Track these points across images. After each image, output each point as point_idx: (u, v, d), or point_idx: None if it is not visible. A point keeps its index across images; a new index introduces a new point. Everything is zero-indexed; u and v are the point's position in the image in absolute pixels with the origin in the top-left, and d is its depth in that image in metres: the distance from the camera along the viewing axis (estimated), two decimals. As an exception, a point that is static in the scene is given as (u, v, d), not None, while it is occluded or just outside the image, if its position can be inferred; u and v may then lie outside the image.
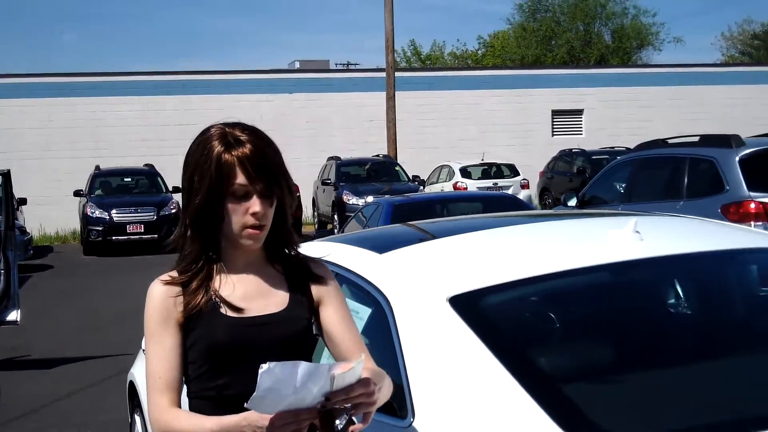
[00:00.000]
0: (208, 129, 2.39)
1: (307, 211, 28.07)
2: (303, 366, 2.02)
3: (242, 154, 2.29)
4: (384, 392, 2.31)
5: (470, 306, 2.68)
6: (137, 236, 21.12)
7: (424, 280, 2.94)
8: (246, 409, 2.08)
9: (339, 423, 2.12)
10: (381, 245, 3.39)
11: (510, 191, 24.76)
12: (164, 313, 2.35)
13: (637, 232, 3.02)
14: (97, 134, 30.26)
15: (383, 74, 28.11)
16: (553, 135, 34.32)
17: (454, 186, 24.89)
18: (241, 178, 2.29)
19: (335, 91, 32.77)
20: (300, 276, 2.44)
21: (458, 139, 32.93)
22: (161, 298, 2.36)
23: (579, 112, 34.84)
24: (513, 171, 26.79)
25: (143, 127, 30.17)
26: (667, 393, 2.53)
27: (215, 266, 2.39)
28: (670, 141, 10.76)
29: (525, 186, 25.96)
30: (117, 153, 28.93)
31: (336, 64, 54.14)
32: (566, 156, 27.35)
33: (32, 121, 29.83)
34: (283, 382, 2.03)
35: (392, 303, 2.87)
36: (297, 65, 38.42)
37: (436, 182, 26.86)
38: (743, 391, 2.55)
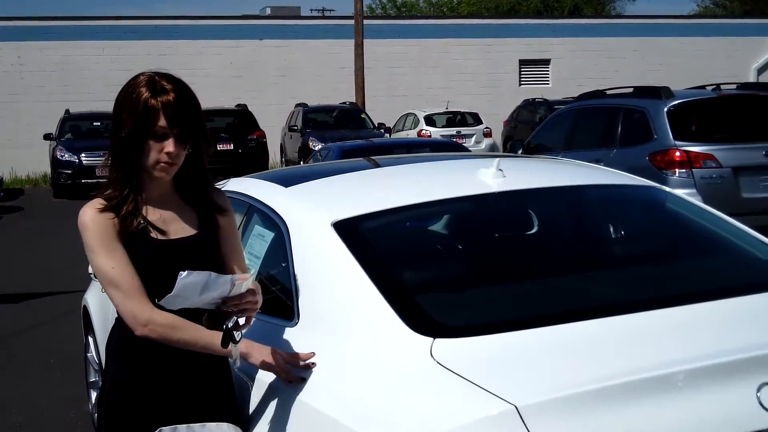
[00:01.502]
0: (139, 75, 2.82)
1: (275, 157, 28.50)
2: (212, 275, 2.66)
3: (166, 101, 2.74)
4: (260, 303, 2.89)
5: (349, 229, 3.23)
6: (106, 179, 21.42)
7: (316, 209, 3.50)
8: None
9: (228, 322, 2.71)
10: (289, 180, 3.94)
11: (473, 139, 25.44)
12: (107, 231, 2.76)
13: (500, 170, 3.58)
14: (67, 78, 30.45)
15: (353, 22, 28.44)
16: (520, 84, 34.78)
17: (418, 133, 25.41)
18: (162, 122, 2.73)
19: (306, 37, 32.99)
20: (206, 205, 2.94)
21: (427, 88, 33.32)
22: (99, 221, 2.77)
23: (546, 62, 35.29)
24: (476, 119, 27.35)
25: (113, 71, 30.30)
26: (504, 298, 3.12)
27: (138, 195, 2.85)
28: (608, 92, 11.29)
29: (488, 134, 26.55)
30: (87, 97, 29.16)
31: (311, 10, 54.25)
32: (530, 105, 27.90)
33: (2, 64, 29.98)
34: (194, 285, 2.64)
35: (289, 227, 3.42)
36: (268, 11, 38.55)
37: (402, 130, 27.38)
38: (565, 295, 3.16)
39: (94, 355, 5.64)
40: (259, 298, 2.89)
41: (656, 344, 2.66)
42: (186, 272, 2.63)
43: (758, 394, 2.46)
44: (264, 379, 3.02)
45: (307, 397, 2.80)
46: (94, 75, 30.56)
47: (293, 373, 2.82)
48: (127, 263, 2.76)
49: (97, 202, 2.83)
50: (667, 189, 4.00)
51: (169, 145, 2.75)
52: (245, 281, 2.74)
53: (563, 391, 2.37)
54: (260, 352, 2.86)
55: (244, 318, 2.80)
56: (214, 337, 2.73)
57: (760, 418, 2.46)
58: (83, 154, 21.82)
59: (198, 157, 2.89)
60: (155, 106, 2.73)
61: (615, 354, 2.60)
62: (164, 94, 2.75)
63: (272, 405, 2.93)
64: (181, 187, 2.93)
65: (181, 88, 2.80)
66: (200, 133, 2.84)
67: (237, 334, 2.72)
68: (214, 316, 2.78)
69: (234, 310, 2.75)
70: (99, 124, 24.07)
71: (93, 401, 5.78)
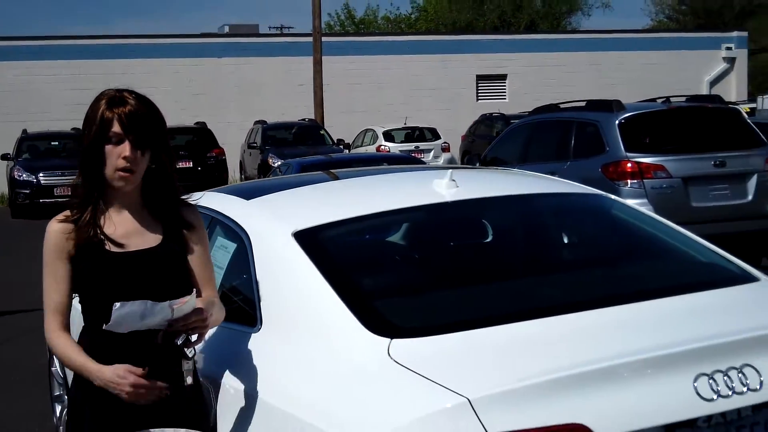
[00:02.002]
0: (104, 91, 2.97)
1: (235, 174, 28.54)
2: (148, 303, 2.76)
3: (121, 111, 2.87)
4: (215, 317, 3.01)
5: (309, 239, 3.37)
6: (64, 199, 21.07)
7: (277, 220, 3.64)
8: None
9: (178, 340, 2.85)
10: (250, 194, 4.09)
11: (431, 154, 25.71)
12: (58, 247, 2.92)
13: (453, 180, 3.75)
14: (25, 98, 30.26)
15: (312, 39, 28.60)
16: (478, 99, 35.11)
17: (377, 149, 25.60)
18: (116, 128, 2.86)
19: (264, 55, 33.08)
20: (173, 217, 3.04)
21: (386, 104, 33.53)
22: (56, 235, 2.93)
23: (503, 77, 35.66)
24: (435, 134, 27.66)
25: (71, 91, 30.20)
26: (457, 301, 3.28)
27: (100, 208, 2.96)
28: (562, 106, 11.53)
29: (446, 149, 26.84)
30: (45, 117, 29.02)
31: (270, 28, 54.30)
32: (487, 120, 28.20)
33: (-40, 84, 29.79)
34: (131, 314, 2.76)
35: (251, 238, 3.56)
36: (226, 29, 38.62)
37: (361, 145, 27.56)
38: (515, 297, 3.33)
39: (59, 369, 5.71)
40: (219, 313, 3.03)
41: (600, 339, 2.84)
42: (119, 303, 2.73)
43: (695, 384, 2.65)
44: (227, 383, 3.16)
45: (271, 398, 2.95)
46: (51, 94, 30.44)
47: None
48: (62, 281, 2.93)
49: (61, 215, 2.98)
50: (613, 197, 4.19)
51: (125, 150, 2.86)
52: (184, 304, 2.82)
53: (513, 383, 2.53)
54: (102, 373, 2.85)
55: (195, 335, 2.89)
56: (86, 363, 2.86)
57: (696, 406, 2.64)
58: (41, 174, 21.75)
59: (163, 171, 3.01)
60: (110, 116, 2.87)
61: (561, 349, 2.77)
62: (121, 105, 2.89)
63: (237, 408, 3.07)
64: (148, 202, 3.03)
65: (141, 101, 2.93)
66: (161, 145, 2.96)
67: (189, 351, 2.85)
68: (168, 333, 2.88)
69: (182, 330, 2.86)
70: (57, 143, 23.98)
71: (57, 415, 5.85)
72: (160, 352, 2.88)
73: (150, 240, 2.98)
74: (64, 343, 2.95)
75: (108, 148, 2.88)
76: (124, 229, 2.96)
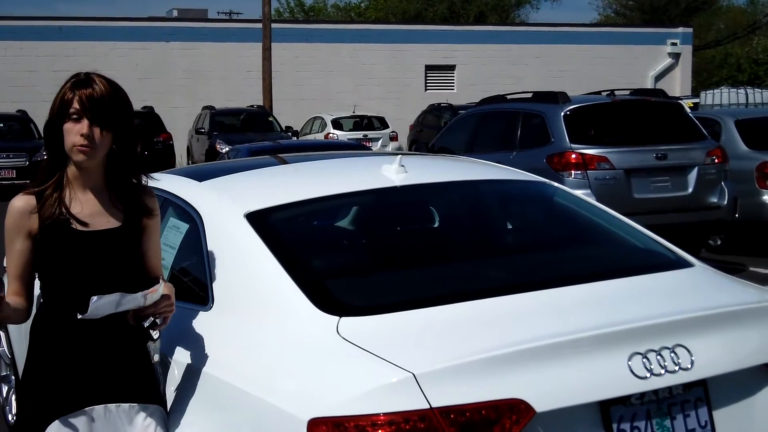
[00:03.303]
0: (75, 74, 3.02)
1: (182, 159, 28.40)
2: (123, 295, 2.89)
3: (83, 93, 2.93)
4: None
5: (260, 220, 3.45)
6: (9, 181, 21.04)
7: (229, 201, 3.72)
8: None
9: (145, 322, 2.98)
10: (203, 176, 4.15)
11: (379, 143, 25.82)
12: (19, 223, 2.99)
13: (403, 166, 3.85)
14: (-32, 79, 29.87)
15: (261, 25, 28.52)
16: (426, 90, 35.28)
17: (326, 137, 25.66)
18: (75, 105, 2.92)
19: (213, 40, 32.93)
20: (134, 201, 3.11)
21: (335, 92, 33.56)
22: (18, 211, 2.99)
23: (452, 68, 35.87)
24: (383, 123, 27.78)
25: (16, 72, 29.87)
26: (404, 281, 3.39)
27: (64, 188, 3.02)
28: (509, 97, 11.67)
29: (394, 138, 26.97)
30: (-11, 98, 28.67)
31: (218, 13, 54.00)
32: (435, 110, 28.35)
33: None
34: (107, 304, 2.87)
35: (204, 219, 3.63)
36: (175, 13, 38.32)
37: (309, 133, 27.59)
38: (459, 279, 3.45)
39: (6, 350, 5.72)
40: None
41: (540, 319, 2.96)
42: (96, 297, 2.84)
43: (629, 363, 2.78)
44: (178, 360, 3.24)
45: (221, 373, 3.03)
46: (-4, 75, 30.03)
47: None
48: (20, 254, 3.01)
49: (24, 193, 3.04)
50: (556, 184, 4.33)
51: (83, 127, 2.92)
52: (155, 293, 2.96)
53: (456, 360, 2.64)
54: None
55: (161, 318, 3.02)
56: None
57: (630, 384, 2.77)
58: (-14, 156, 21.47)
59: (125, 153, 3.06)
60: (71, 96, 2.94)
61: (503, 328, 2.89)
62: (85, 86, 2.95)
63: (187, 384, 3.14)
64: (111, 183, 3.10)
65: (106, 83, 2.99)
66: (124, 128, 3.01)
67: (154, 333, 2.99)
68: (137, 316, 3.01)
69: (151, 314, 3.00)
70: (2, 125, 23.65)
71: (4, 395, 5.86)
72: (116, 329, 2.99)
73: (112, 221, 3.05)
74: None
75: (67, 125, 2.94)
76: (89, 209, 3.03)
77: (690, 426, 2.90)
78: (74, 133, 2.93)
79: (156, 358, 3.03)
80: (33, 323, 3.15)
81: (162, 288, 2.97)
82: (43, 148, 3.09)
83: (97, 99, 2.94)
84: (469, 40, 35.81)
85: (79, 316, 2.86)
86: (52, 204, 2.99)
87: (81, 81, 2.98)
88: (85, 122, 2.93)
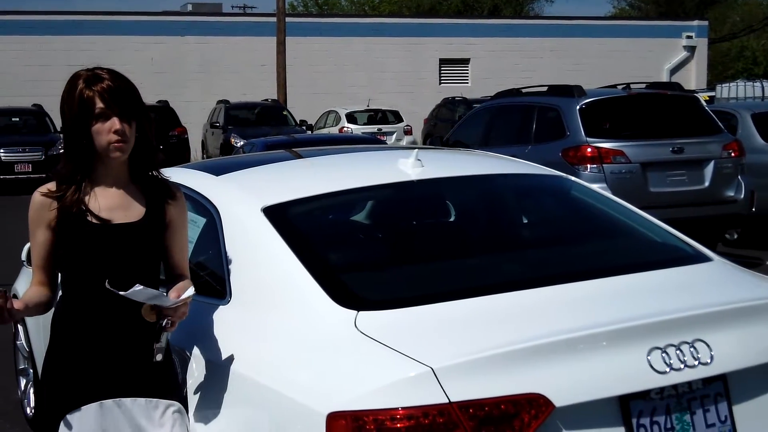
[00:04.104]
0: (77, 71, 3.03)
1: (197, 153, 28.46)
2: (162, 292, 2.92)
3: (100, 88, 2.94)
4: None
5: (278, 214, 3.46)
6: (25, 175, 21.20)
7: (246, 195, 3.72)
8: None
9: (162, 321, 2.96)
10: (219, 170, 4.16)
11: (394, 137, 25.82)
12: (40, 214, 3.02)
13: (419, 160, 3.85)
14: (-16, 73, 29.97)
15: (275, 19, 28.53)
16: (440, 83, 35.23)
17: (340, 130, 25.68)
18: (100, 104, 2.93)
19: (227, 34, 32.96)
20: (158, 195, 3.12)
21: (349, 86, 33.56)
22: (40, 203, 3.02)
23: (466, 62, 35.81)
24: (397, 117, 27.78)
25: (32, 66, 29.97)
26: (422, 275, 3.39)
27: (86, 183, 3.03)
28: (524, 90, 11.65)
29: (408, 132, 26.97)
30: (5, 92, 28.71)
31: (232, 7, 53.96)
32: (449, 104, 28.33)
33: None
34: (145, 295, 2.86)
35: (221, 213, 3.64)
36: (189, 8, 38.38)
37: (324, 127, 27.60)
38: (477, 273, 3.44)
39: (24, 343, 5.74)
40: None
41: (558, 314, 2.95)
42: (137, 286, 2.84)
43: (648, 358, 2.77)
44: (198, 354, 3.24)
45: (240, 368, 3.03)
46: (12, 70, 30.13)
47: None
48: (41, 246, 3.04)
49: (45, 188, 3.06)
50: (573, 178, 4.31)
51: (115, 123, 2.93)
52: (185, 297, 2.96)
53: (475, 354, 2.64)
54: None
55: (170, 322, 3.00)
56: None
57: (650, 378, 2.77)
58: (1, 150, 21.52)
59: (146, 140, 3.08)
60: (90, 94, 2.94)
61: (521, 322, 2.89)
62: (99, 82, 2.95)
63: (206, 378, 3.15)
64: (135, 174, 3.11)
65: (117, 76, 3.00)
66: (143, 116, 3.03)
67: (163, 336, 2.97)
68: (159, 312, 3.00)
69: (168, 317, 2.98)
70: (18, 119, 23.76)
71: (22, 388, 5.89)
72: (134, 323, 2.99)
73: (132, 215, 3.05)
74: (24, 293, 3.07)
75: (96, 126, 2.94)
76: (107, 203, 3.04)
77: (710, 421, 2.89)
78: (106, 131, 2.94)
79: (158, 357, 2.99)
80: (54, 316, 3.17)
81: (191, 292, 2.97)
82: (60, 145, 3.09)
83: (117, 91, 2.95)
84: (483, 33, 35.73)
85: (121, 293, 2.84)
86: (71, 197, 3.01)
87: (92, 77, 2.97)
88: (114, 119, 2.94)
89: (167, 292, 2.99)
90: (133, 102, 2.99)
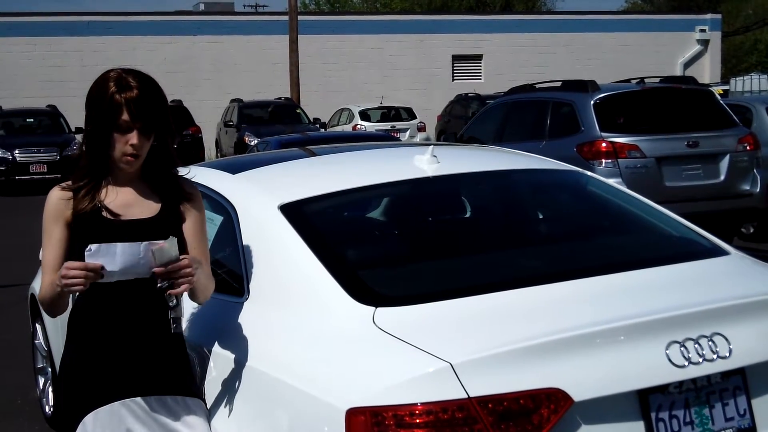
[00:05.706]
0: (108, 71, 3.03)
1: (211, 152, 28.53)
2: (120, 245, 2.85)
3: (129, 97, 2.94)
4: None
5: (295, 211, 3.47)
6: (40, 176, 21.30)
7: (263, 193, 3.74)
8: None
9: (161, 283, 2.89)
10: (235, 168, 4.17)
11: (407, 134, 25.83)
12: (56, 212, 3.03)
13: (435, 156, 3.85)
14: (-2, 75, 30.11)
15: (287, 17, 28.57)
16: (453, 80, 35.20)
17: (354, 128, 25.68)
18: (125, 116, 2.94)
19: (240, 33, 33.02)
20: (174, 193, 3.14)
21: (362, 83, 33.58)
22: (55, 201, 3.04)
23: (479, 58, 35.77)
24: (410, 114, 27.78)
25: (46, 68, 30.08)
26: (439, 271, 3.39)
27: (103, 181, 3.06)
28: (537, 86, 11.63)
29: (422, 128, 26.97)
30: (18, 94, 28.87)
31: (245, 6, 54.09)
32: (462, 100, 28.30)
33: (-68, 60, 29.54)
34: (108, 256, 2.83)
35: (238, 211, 3.65)
36: (201, 7, 38.47)
37: (337, 125, 27.62)
38: (494, 268, 3.45)
39: (42, 342, 5.78)
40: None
41: (577, 308, 2.95)
42: (89, 246, 2.82)
43: (667, 352, 2.77)
44: (216, 351, 3.26)
45: (259, 364, 3.04)
46: (26, 71, 30.26)
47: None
48: (57, 243, 3.03)
49: (64, 184, 3.09)
50: (589, 173, 4.31)
51: (133, 138, 2.96)
52: (163, 247, 2.86)
53: (493, 349, 2.64)
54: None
55: (169, 283, 2.90)
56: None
57: (668, 372, 2.76)
58: (17, 151, 21.64)
59: (164, 148, 3.10)
60: (119, 101, 2.94)
61: (539, 317, 2.89)
62: (128, 90, 2.95)
63: (225, 376, 3.16)
64: (147, 175, 3.13)
65: (146, 84, 3.00)
66: (165, 126, 3.05)
67: (170, 299, 2.92)
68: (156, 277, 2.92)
69: (168, 279, 2.90)
70: (32, 120, 23.90)
71: (41, 387, 5.93)
72: (153, 321, 3.00)
73: (147, 211, 3.07)
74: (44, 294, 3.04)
75: (116, 135, 2.97)
76: (123, 200, 3.06)
77: (729, 415, 2.89)
78: (123, 142, 2.97)
79: (173, 327, 2.96)
80: (70, 315, 3.19)
81: (174, 243, 2.87)
82: (76, 145, 3.09)
83: (144, 103, 2.95)
84: (495, 29, 35.69)
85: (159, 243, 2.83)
86: (88, 193, 3.03)
87: (123, 83, 2.96)
88: (135, 133, 2.96)
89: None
90: (158, 115, 3.00)
